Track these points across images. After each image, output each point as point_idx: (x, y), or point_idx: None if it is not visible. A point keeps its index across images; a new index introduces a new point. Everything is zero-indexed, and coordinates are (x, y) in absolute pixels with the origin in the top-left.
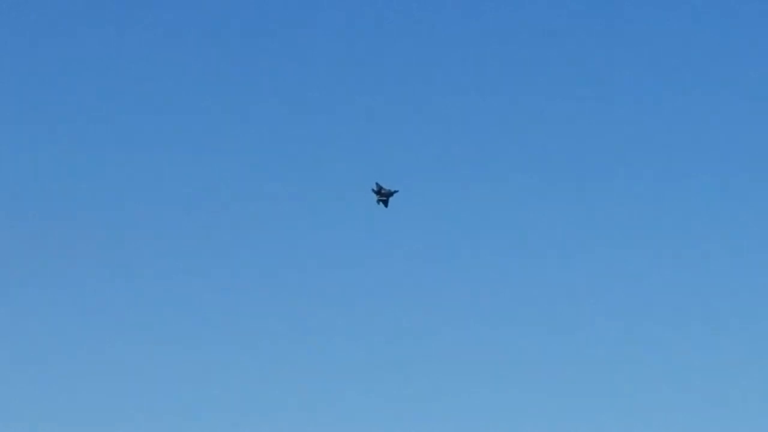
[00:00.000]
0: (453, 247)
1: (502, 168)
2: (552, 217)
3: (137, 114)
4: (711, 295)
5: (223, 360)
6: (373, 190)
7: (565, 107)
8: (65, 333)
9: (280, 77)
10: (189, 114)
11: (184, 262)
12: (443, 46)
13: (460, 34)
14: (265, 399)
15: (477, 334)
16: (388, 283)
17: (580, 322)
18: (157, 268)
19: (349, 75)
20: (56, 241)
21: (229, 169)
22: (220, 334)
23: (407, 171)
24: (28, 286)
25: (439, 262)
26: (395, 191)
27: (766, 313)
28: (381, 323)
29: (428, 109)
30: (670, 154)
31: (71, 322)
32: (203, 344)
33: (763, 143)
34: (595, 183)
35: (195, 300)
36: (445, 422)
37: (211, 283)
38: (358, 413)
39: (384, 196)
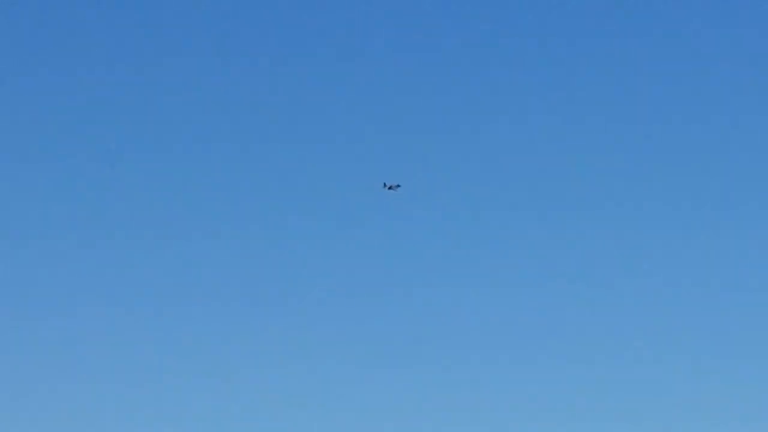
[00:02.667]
0: (454, 248)
1: (503, 164)
2: (553, 215)
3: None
4: (712, 295)
5: (220, 358)
6: (384, 185)
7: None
8: (64, 333)
9: (281, 77)
10: (192, 113)
11: (185, 259)
12: (443, 46)
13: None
14: (264, 398)
15: (475, 333)
16: (388, 282)
17: (581, 321)
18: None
19: (351, 73)
20: (56, 239)
21: (232, 168)
22: (218, 331)
23: (408, 169)
24: (29, 284)
25: (440, 262)
26: (398, 185)
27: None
28: (379, 323)
29: (427, 107)
30: (671, 154)
31: (70, 322)
32: (200, 343)
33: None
34: (593, 182)
35: (192, 298)
36: (443, 421)
37: (214, 281)
38: (357, 412)
39: (392, 188)
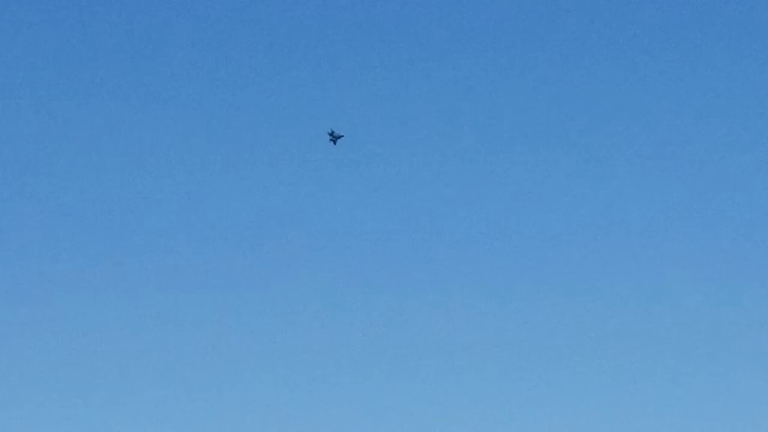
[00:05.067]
0: (451, 244)
1: (500, 162)
2: (552, 214)
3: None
4: (712, 295)
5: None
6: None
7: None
8: (64, 332)
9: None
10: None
11: (176, 255)
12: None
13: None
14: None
15: (474, 333)
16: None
17: (580, 322)
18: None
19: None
20: (56, 237)
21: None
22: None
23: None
24: (29, 285)
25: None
26: (342, 135)
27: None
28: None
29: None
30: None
31: (69, 321)
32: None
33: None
34: (593, 181)
35: (190, 297)
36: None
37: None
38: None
39: (334, 137)
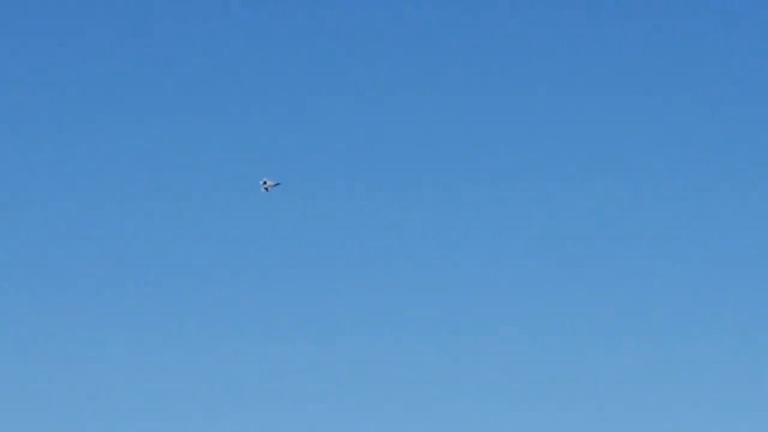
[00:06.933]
0: (449, 248)
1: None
2: (549, 216)
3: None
4: (710, 296)
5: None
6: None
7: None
8: (63, 332)
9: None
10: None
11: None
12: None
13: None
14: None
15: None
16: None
17: (577, 323)
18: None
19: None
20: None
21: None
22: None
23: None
24: (28, 285)
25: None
26: (278, 184)
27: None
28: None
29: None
30: (669, 154)
31: (69, 321)
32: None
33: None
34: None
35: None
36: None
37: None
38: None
39: (267, 186)
